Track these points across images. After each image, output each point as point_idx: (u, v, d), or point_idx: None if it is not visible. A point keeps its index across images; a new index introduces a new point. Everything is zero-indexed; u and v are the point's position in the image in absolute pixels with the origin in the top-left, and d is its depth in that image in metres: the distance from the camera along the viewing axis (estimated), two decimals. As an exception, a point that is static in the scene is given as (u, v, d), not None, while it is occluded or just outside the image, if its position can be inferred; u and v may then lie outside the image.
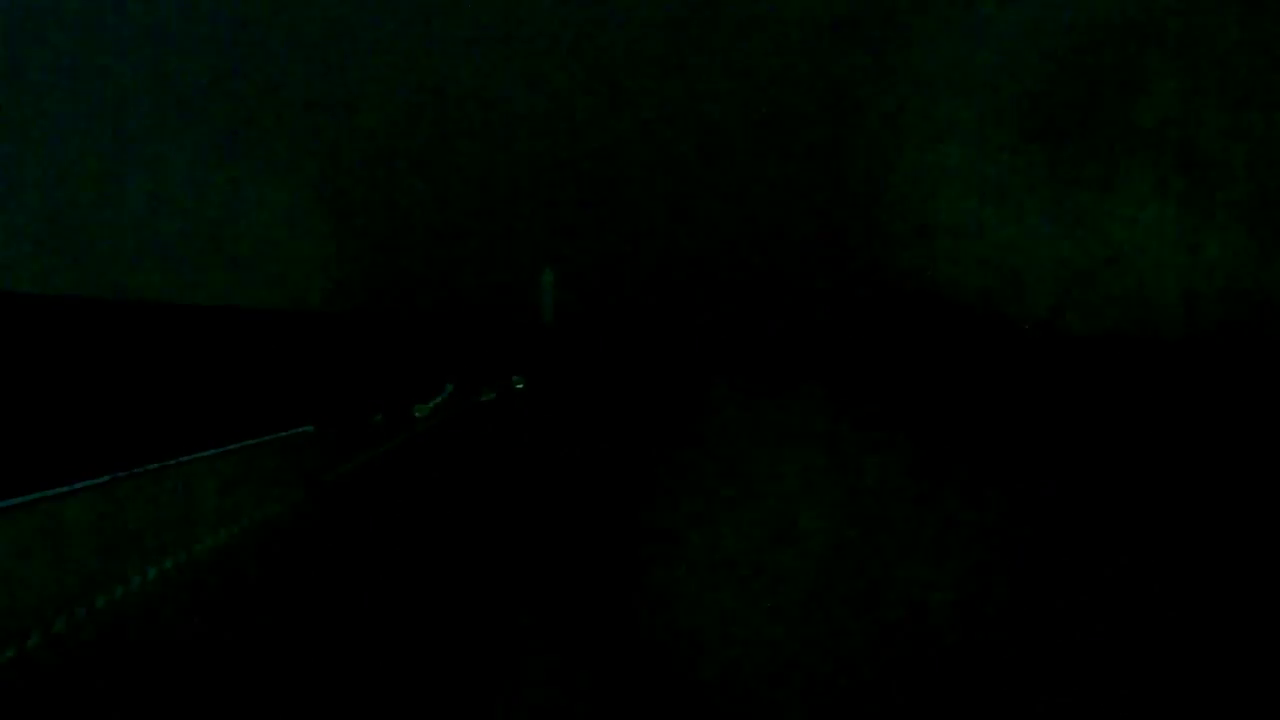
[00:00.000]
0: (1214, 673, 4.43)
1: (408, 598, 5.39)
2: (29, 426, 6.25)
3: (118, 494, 6.67)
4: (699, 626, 4.91)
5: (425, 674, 4.42)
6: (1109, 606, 4.93)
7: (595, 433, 9.47)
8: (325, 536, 7.06)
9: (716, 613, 5.04)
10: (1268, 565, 5.53)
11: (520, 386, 10.28)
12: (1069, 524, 6.59)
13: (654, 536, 6.32)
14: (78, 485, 6.53)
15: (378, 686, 4.36)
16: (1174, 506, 7.28)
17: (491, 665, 4.57)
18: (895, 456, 6.31)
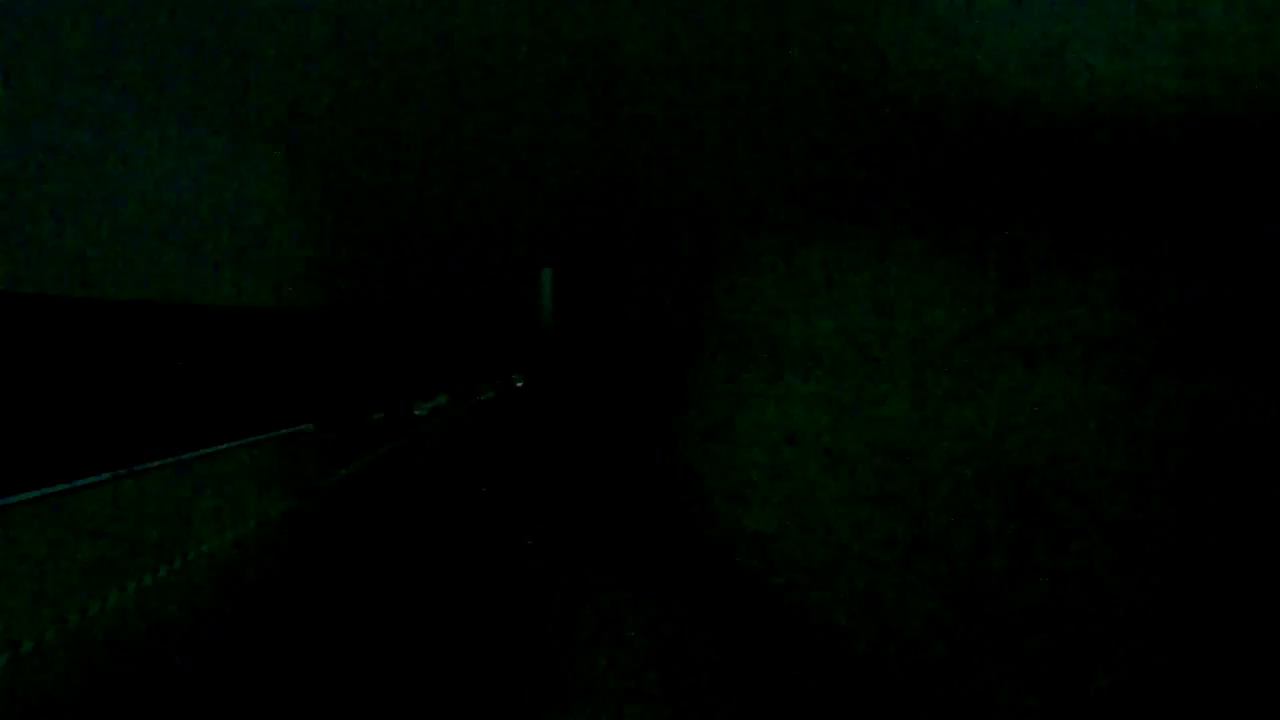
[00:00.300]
0: None
1: (415, 586, 5.35)
2: (29, 425, 6.28)
3: (114, 494, 6.68)
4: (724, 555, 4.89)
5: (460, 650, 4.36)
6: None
7: (595, 426, 9.50)
8: (333, 528, 7.07)
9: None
10: None
11: (520, 385, 10.37)
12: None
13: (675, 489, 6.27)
14: (78, 483, 6.52)
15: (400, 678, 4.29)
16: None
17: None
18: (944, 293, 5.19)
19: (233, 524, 6.91)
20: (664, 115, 5.35)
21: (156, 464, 7.52)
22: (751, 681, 4.29)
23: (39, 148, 5.56)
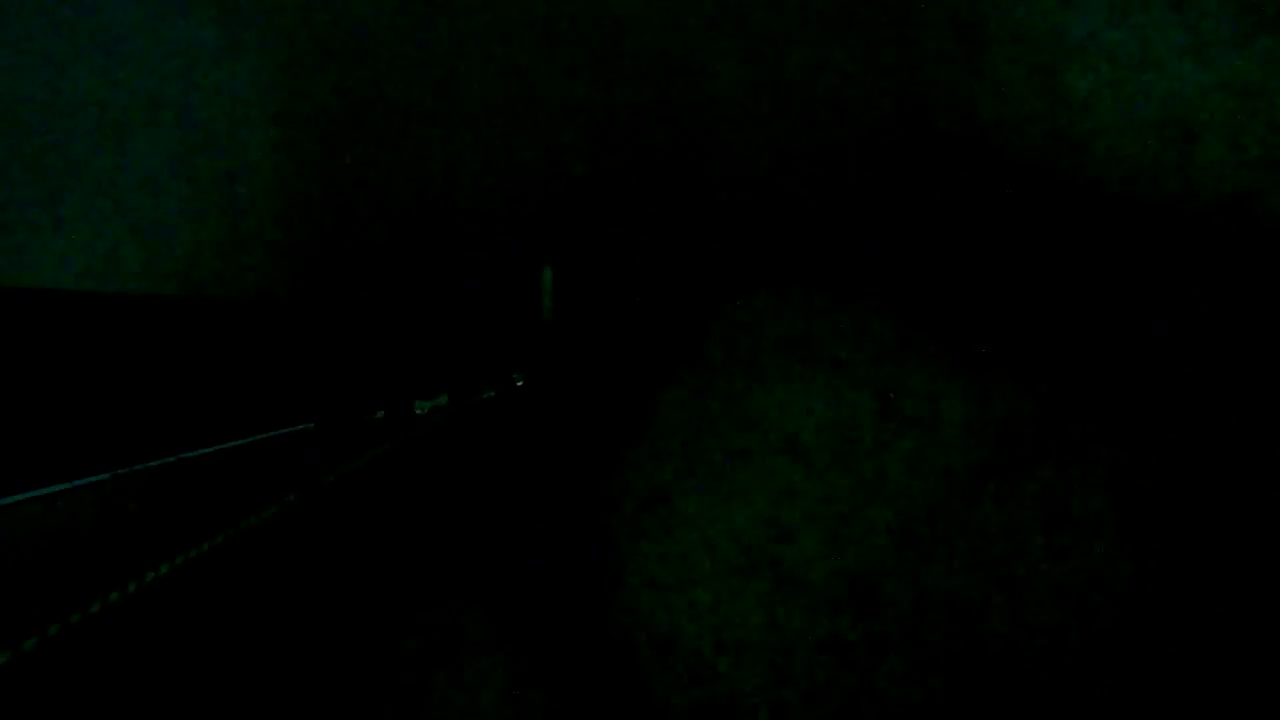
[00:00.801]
0: None
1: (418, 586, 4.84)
2: (27, 422, 6.10)
3: (107, 493, 6.40)
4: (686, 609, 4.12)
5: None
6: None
7: (594, 427, 8.97)
8: (335, 524, 6.60)
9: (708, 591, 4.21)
10: None
11: (520, 384, 9.75)
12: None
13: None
14: (78, 482, 6.34)
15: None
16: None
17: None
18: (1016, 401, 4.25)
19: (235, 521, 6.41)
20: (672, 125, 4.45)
21: (158, 463, 7.27)
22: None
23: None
